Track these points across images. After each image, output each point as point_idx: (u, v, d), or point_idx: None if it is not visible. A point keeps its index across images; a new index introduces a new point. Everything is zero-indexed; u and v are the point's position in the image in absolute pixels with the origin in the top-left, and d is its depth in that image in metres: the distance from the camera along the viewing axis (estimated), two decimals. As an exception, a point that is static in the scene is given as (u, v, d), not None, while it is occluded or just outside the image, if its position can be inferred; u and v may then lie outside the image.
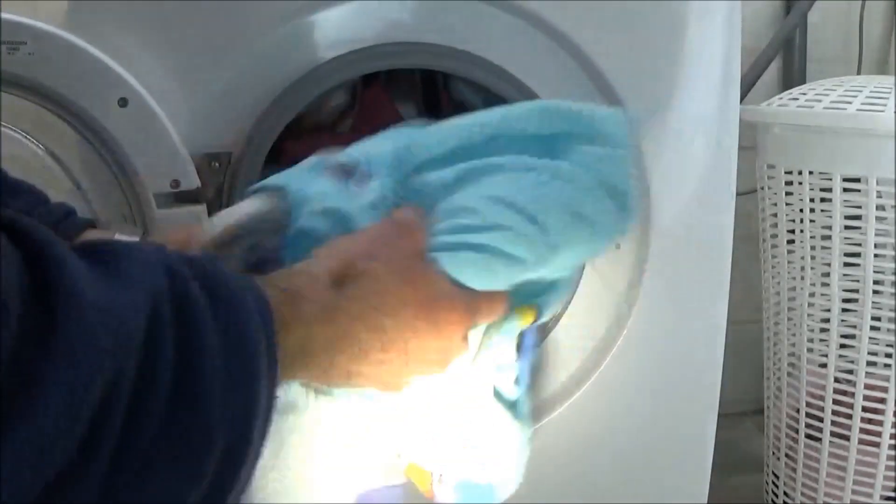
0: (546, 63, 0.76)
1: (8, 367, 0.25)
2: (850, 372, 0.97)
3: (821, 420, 1.01)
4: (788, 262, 1.01)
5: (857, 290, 0.94)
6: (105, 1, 0.71)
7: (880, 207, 0.89)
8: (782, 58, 1.38)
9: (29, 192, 0.52)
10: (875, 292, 0.92)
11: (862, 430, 0.97)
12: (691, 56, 0.77)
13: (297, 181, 0.49)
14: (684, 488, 0.89)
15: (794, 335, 1.03)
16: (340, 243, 0.43)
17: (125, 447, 0.29)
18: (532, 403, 0.51)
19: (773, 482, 1.12)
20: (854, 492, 1.00)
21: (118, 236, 0.49)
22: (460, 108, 1.13)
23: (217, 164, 0.75)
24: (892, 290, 0.91)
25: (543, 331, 0.74)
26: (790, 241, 1.00)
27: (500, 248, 0.44)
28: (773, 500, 1.13)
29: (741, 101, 0.81)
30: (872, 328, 0.93)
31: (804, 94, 0.96)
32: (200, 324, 0.31)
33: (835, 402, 0.99)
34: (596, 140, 0.50)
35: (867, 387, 0.95)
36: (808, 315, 0.99)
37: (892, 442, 0.96)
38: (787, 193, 0.98)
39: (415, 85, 1.10)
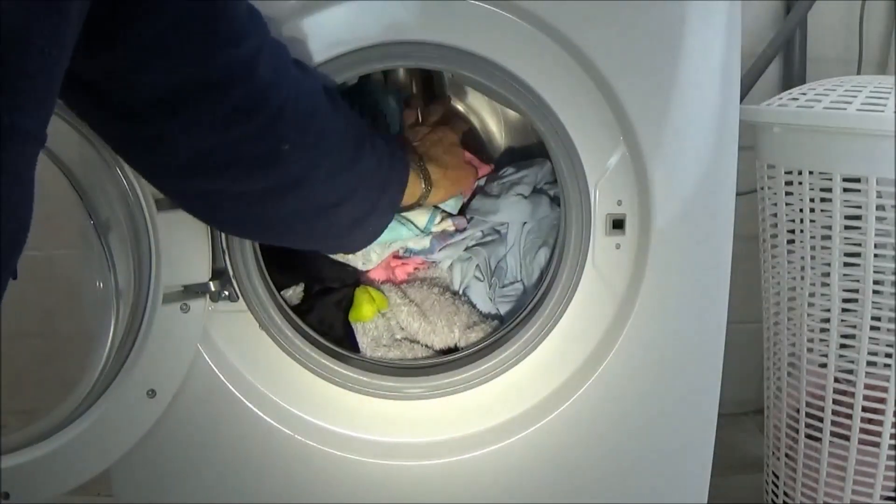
0: (546, 63, 0.76)
1: None
2: (850, 372, 0.97)
3: (821, 420, 1.01)
4: (788, 262, 1.01)
5: (857, 290, 0.94)
6: (105, 1, 0.71)
7: (880, 207, 0.89)
8: (782, 58, 1.38)
9: None
10: (875, 292, 0.92)
11: (862, 430, 0.97)
12: (691, 56, 0.77)
13: None
14: (684, 488, 0.89)
15: (794, 335, 1.03)
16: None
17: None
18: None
19: (773, 482, 1.12)
20: (854, 492, 1.00)
21: None
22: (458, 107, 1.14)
23: (217, 164, 0.75)
24: (892, 290, 0.91)
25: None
26: (790, 241, 1.00)
27: None
28: (773, 500, 1.13)
29: (741, 101, 0.81)
30: (872, 328, 0.93)
31: (804, 94, 0.96)
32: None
33: (835, 402, 0.99)
34: None
35: (867, 387, 0.95)
36: (808, 315, 0.99)
37: (892, 442, 0.96)
38: (787, 193, 0.98)
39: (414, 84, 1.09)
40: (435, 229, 0.97)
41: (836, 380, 0.98)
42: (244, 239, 0.79)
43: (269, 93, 0.61)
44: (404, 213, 0.95)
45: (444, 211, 0.98)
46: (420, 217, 0.96)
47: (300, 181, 0.67)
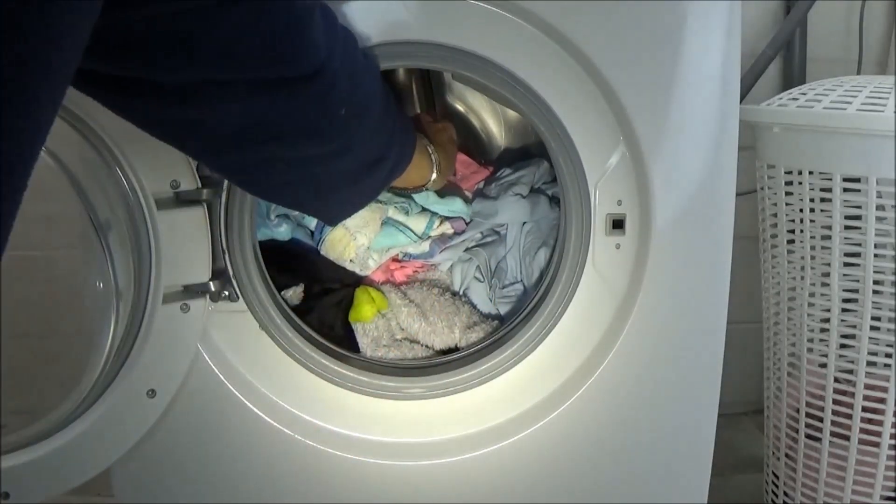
0: (546, 63, 0.76)
1: None
2: (850, 372, 0.97)
3: (821, 420, 1.01)
4: (788, 262, 1.01)
5: (857, 291, 0.94)
6: (105, 1, 0.71)
7: (880, 207, 0.89)
8: (782, 58, 1.38)
9: None
10: (875, 292, 0.92)
11: (862, 430, 0.97)
12: (691, 56, 0.77)
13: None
14: (684, 488, 0.89)
15: (794, 335, 1.03)
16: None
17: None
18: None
19: (773, 482, 1.12)
20: (854, 492, 1.00)
21: None
22: (458, 108, 1.13)
23: (217, 164, 0.75)
24: (892, 290, 0.91)
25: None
26: (790, 241, 1.00)
27: None
28: (773, 500, 1.13)
29: (741, 101, 0.81)
30: (872, 328, 0.93)
31: (804, 94, 0.96)
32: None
33: (835, 402, 0.99)
34: None
35: (867, 387, 0.95)
36: (808, 315, 0.99)
37: (892, 442, 0.96)
38: (787, 193, 0.98)
39: (414, 84, 1.10)
40: (434, 234, 0.98)
41: (836, 380, 0.98)
42: (278, 205, 0.87)
43: (330, 62, 0.61)
44: (402, 220, 0.96)
45: (441, 216, 0.99)
46: (418, 223, 0.96)
47: (352, 143, 0.67)
